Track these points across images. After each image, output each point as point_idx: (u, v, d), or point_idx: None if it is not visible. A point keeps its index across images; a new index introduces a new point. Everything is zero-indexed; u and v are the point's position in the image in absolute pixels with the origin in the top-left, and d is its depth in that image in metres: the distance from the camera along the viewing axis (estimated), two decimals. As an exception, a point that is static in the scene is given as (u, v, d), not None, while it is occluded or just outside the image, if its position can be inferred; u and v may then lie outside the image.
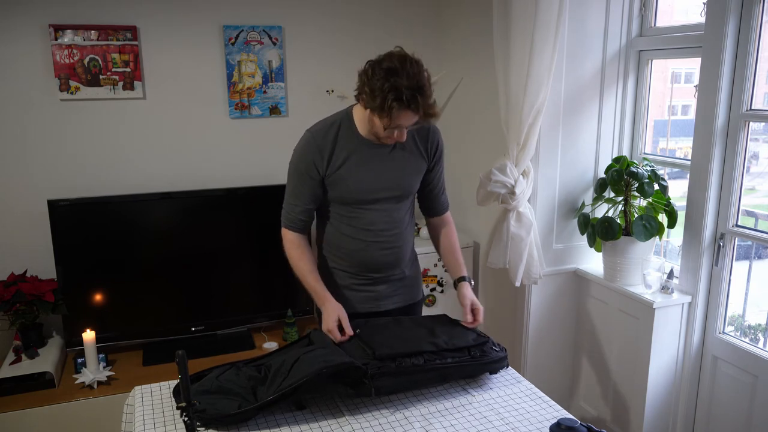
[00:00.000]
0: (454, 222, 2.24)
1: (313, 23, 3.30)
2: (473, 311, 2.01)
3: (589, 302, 2.90)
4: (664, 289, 2.54)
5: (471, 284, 2.08)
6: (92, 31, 2.94)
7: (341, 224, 2.02)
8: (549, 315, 2.94)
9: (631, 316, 2.64)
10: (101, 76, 2.99)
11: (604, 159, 2.87)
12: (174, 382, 1.86)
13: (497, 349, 1.94)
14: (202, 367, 1.93)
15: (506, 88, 2.62)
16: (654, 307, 2.49)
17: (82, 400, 2.67)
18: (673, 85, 2.83)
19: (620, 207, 2.68)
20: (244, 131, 3.29)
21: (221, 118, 3.24)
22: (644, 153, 2.85)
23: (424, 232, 2.30)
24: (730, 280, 2.46)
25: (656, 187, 2.59)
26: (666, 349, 2.57)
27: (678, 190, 2.71)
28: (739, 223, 2.40)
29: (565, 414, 1.76)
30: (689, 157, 2.49)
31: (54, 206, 2.82)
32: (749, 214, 2.45)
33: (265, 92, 3.27)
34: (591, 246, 2.82)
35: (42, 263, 2.94)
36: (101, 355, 2.84)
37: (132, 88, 3.05)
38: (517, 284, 2.74)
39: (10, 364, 2.77)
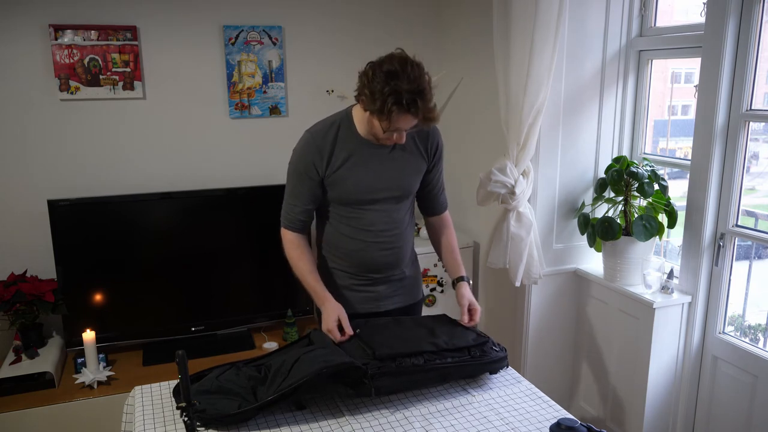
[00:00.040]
0: (454, 222, 2.24)
1: (313, 23, 3.30)
2: (470, 311, 2.02)
3: (589, 302, 2.90)
4: (664, 289, 2.54)
5: (469, 284, 2.09)
6: (92, 31, 2.94)
7: (341, 224, 2.02)
8: (549, 315, 2.94)
9: (631, 316, 2.64)
10: (101, 76, 2.99)
11: (604, 159, 2.87)
12: (174, 382, 1.86)
13: (497, 349, 1.94)
14: (202, 367, 1.93)
15: (506, 88, 2.62)
16: (654, 307, 2.49)
17: (82, 400, 2.67)
18: (673, 85, 2.83)
19: (620, 207, 2.68)
20: (244, 131, 3.29)
21: (221, 118, 3.24)
22: (644, 153, 2.85)
23: (424, 232, 2.30)
24: (730, 280, 2.46)
25: (656, 187, 2.59)
26: (666, 349, 2.57)
27: (678, 190, 2.71)
28: (739, 223, 2.40)
29: (565, 414, 1.76)
30: (689, 157, 2.49)
31: (54, 206, 2.82)
32: (749, 214, 2.45)
33: (265, 92, 3.27)
34: (591, 246, 2.82)
35: (42, 263, 2.94)
36: (101, 355, 2.84)
37: (132, 88, 3.05)
38: (517, 284, 2.74)
39: (10, 364, 2.77)
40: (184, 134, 3.19)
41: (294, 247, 2.01)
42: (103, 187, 3.04)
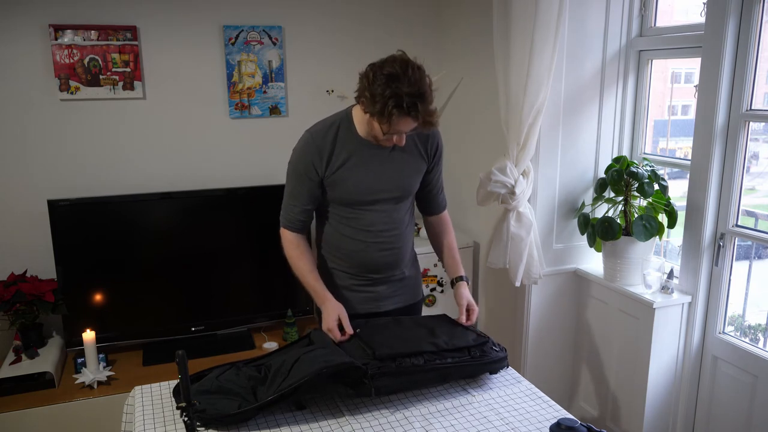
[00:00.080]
0: (454, 222, 2.25)
1: (313, 23, 3.30)
2: (468, 311, 2.02)
3: (589, 302, 2.90)
4: (664, 289, 2.54)
5: (468, 284, 2.09)
6: (92, 31, 2.94)
7: (341, 225, 2.02)
8: (549, 315, 2.94)
9: (631, 316, 2.64)
10: (101, 76, 2.99)
11: (604, 159, 2.87)
12: (174, 382, 1.86)
13: (497, 349, 1.94)
14: (202, 367, 1.93)
15: (506, 88, 2.62)
16: (654, 307, 2.49)
17: (82, 400, 2.67)
18: (673, 85, 2.83)
19: (620, 207, 2.68)
20: (244, 131, 3.29)
21: (221, 118, 3.24)
22: (644, 153, 2.85)
23: (424, 232, 2.30)
24: (730, 280, 2.46)
25: (656, 187, 2.59)
26: (666, 349, 2.57)
27: (678, 190, 2.71)
28: (739, 223, 2.40)
29: (565, 414, 1.76)
30: (689, 157, 2.49)
31: (54, 206, 2.82)
32: (749, 214, 2.45)
33: (265, 92, 3.27)
34: (591, 246, 2.82)
35: (42, 263, 2.94)
36: (101, 355, 2.84)
37: (132, 88, 3.05)
38: (517, 284, 2.74)
39: (10, 364, 2.77)
40: (184, 134, 3.19)
41: (293, 247, 2.02)
42: (103, 187, 3.04)
